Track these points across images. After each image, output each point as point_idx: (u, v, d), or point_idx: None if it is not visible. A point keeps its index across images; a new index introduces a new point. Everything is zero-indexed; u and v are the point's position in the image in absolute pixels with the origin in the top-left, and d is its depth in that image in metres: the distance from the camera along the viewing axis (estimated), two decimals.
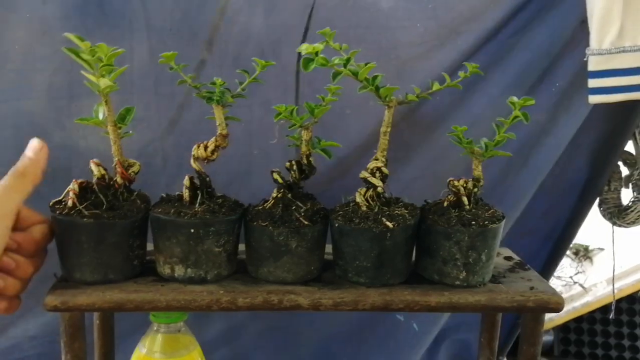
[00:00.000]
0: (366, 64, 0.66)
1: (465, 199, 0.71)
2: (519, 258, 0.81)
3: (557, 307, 0.69)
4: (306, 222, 0.69)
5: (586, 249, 1.66)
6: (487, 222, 0.69)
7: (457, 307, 0.68)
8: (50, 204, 0.68)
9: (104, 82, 0.64)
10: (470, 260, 0.69)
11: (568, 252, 1.67)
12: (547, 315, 1.60)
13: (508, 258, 0.81)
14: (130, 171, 0.70)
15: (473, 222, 0.68)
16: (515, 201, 0.97)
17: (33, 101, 0.84)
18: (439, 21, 0.85)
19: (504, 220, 0.70)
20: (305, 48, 0.60)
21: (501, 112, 0.71)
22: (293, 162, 0.72)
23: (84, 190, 0.68)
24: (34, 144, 0.66)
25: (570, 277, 1.55)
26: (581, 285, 1.52)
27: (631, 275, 1.57)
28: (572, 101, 0.91)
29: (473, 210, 0.71)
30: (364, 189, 0.72)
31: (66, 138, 0.85)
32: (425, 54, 0.86)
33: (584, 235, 1.68)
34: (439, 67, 0.85)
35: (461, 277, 0.69)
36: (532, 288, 0.70)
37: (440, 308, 0.69)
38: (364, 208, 0.70)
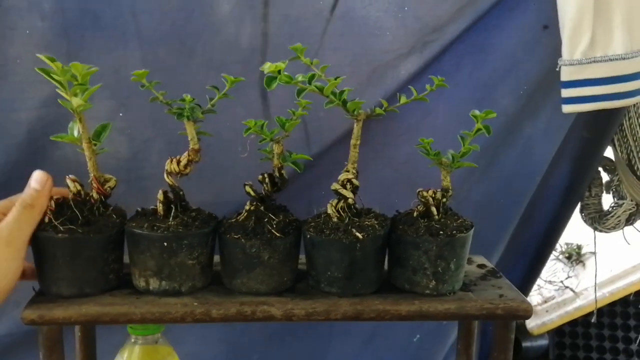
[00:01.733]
0: (336, 78, 0.67)
1: (434, 209, 0.72)
2: (491, 266, 0.82)
3: (525, 315, 0.70)
4: (278, 234, 0.70)
5: (578, 252, 1.66)
6: (455, 231, 0.70)
7: (427, 315, 0.69)
8: None
9: (76, 101, 0.66)
10: (439, 269, 0.70)
11: (561, 257, 1.67)
12: (541, 320, 1.61)
13: (481, 266, 0.82)
14: (106, 186, 0.72)
15: (441, 232, 0.69)
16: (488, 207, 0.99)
17: (41, 110, 0.86)
18: (407, 30, 0.89)
19: (472, 229, 0.71)
20: (268, 67, 0.62)
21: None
22: (265, 175, 0.74)
23: (61, 206, 0.69)
24: (39, 176, 0.68)
25: (562, 282, 1.56)
26: (572, 290, 1.52)
27: (624, 278, 1.56)
28: (539, 104, 0.94)
29: (442, 220, 0.72)
30: (336, 201, 0.73)
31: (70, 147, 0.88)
32: (393, 61, 0.90)
33: (580, 239, 1.69)
34: (406, 73, 0.90)
35: (431, 286, 0.70)
36: (501, 296, 0.71)
37: (410, 317, 0.70)
38: (335, 219, 0.71)
